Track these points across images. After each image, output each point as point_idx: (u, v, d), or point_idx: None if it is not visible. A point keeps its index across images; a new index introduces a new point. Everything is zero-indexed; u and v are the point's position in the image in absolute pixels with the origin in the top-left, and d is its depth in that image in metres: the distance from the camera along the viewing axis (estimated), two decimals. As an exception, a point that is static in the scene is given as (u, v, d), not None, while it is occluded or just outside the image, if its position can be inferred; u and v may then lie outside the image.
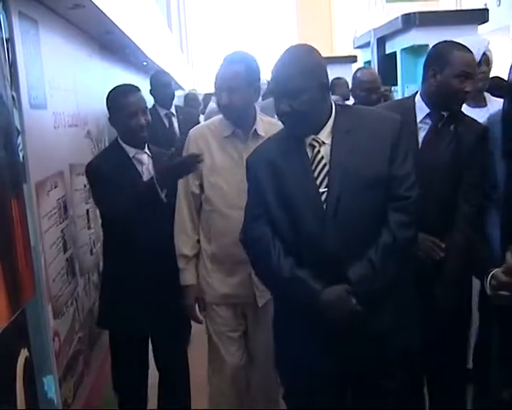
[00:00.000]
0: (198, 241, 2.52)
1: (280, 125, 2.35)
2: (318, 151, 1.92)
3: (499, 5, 8.90)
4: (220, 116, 2.48)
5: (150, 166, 2.55)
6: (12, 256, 1.71)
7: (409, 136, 2.17)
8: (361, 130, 1.93)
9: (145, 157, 2.57)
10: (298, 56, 1.88)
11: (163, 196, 2.38)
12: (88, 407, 2.57)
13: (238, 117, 2.39)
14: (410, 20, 4.72)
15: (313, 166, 1.91)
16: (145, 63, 5.43)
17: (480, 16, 4.61)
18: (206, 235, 2.50)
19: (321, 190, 1.89)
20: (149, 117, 2.53)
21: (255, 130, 2.42)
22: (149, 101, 4.46)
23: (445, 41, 2.37)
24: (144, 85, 4.78)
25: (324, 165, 1.90)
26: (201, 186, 2.47)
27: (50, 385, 2.04)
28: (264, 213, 1.97)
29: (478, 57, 2.69)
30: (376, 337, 1.91)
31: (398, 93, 5.18)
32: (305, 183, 1.90)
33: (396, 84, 5.15)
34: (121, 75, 4.63)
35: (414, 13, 4.67)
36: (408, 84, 5.12)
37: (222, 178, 2.42)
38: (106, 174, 2.43)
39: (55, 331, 2.23)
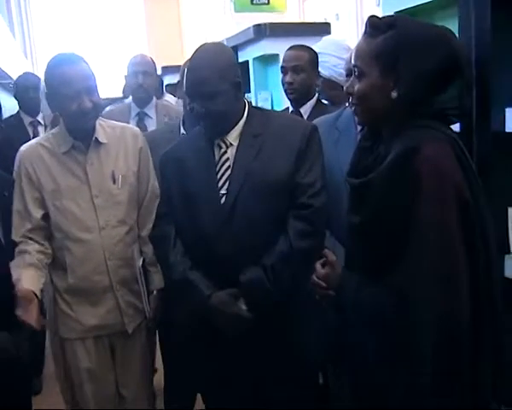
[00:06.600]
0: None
1: (122, 127, 2.30)
2: (225, 152, 1.90)
3: (338, 19, 9.59)
4: (54, 130, 2.25)
5: None
6: None
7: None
8: (270, 135, 1.90)
9: None
10: (211, 57, 1.86)
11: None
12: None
13: (88, 125, 2.15)
14: (261, 31, 4.94)
15: (217, 168, 1.90)
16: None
17: (324, 29, 4.96)
18: (60, 267, 2.22)
19: (222, 192, 1.86)
20: None
21: (96, 138, 2.19)
22: (14, 106, 4.10)
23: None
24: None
25: (228, 167, 1.89)
26: (46, 214, 2.18)
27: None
28: (170, 211, 1.95)
29: None
30: (277, 351, 1.88)
31: (252, 99, 5.40)
32: (207, 183, 1.89)
33: (249, 92, 5.36)
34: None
35: (264, 24, 4.89)
36: (260, 91, 5.37)
37: (70, 200, 2.17)
38: None
39: None
